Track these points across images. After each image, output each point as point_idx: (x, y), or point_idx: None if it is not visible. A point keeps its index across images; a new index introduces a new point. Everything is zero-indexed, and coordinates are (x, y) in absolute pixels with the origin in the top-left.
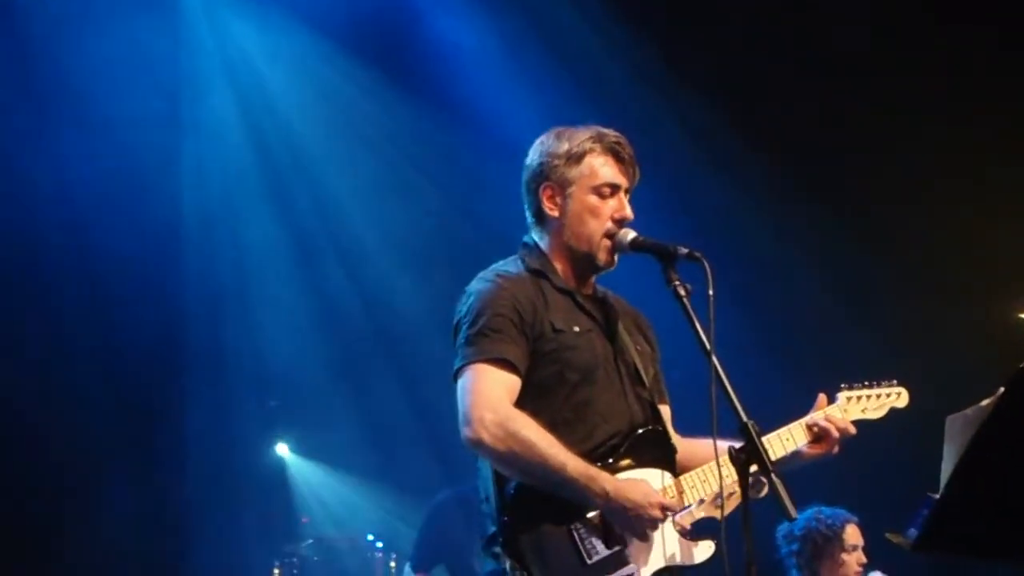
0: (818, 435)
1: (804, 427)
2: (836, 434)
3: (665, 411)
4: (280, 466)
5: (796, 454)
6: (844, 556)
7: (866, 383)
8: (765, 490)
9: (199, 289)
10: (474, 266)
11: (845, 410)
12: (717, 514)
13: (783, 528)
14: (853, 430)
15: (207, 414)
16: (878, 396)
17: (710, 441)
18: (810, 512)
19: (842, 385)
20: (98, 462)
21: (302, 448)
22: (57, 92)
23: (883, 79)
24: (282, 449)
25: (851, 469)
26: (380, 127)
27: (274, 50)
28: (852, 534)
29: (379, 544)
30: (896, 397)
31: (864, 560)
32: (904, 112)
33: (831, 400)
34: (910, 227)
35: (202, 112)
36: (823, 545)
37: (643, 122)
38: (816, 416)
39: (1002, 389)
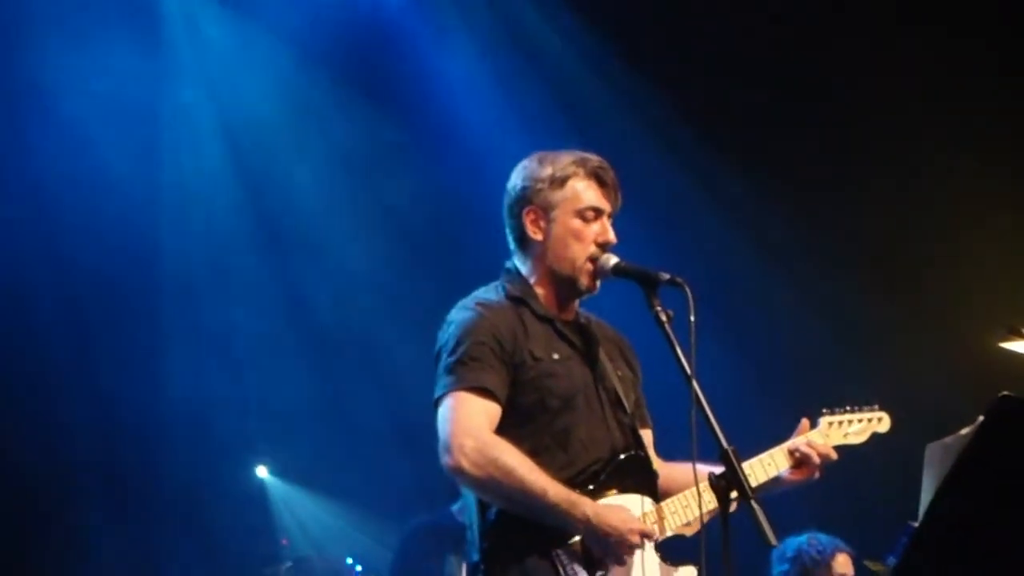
0: (799, 460)
1: (786, 452)
2: (817, 460)
3: (647, 436)
4: (260, 488)
5: (777, 480)
6: None
7: (848, 408)
8: (733, 505)
9: (176, 309)
10: (456, 288)
11: (827, 435)
12: (685, 531)
13: (778, 548)
14: (834, 455)
15: (185, 434)
16: (860, 421)
17: (691, 466)
18: (805, 536)
19: (823, 410)
20: (73, 485)
21: (282, 470)
22: (32, 100)
23: (870, 99)
24: (262, 471)
25: (831, 497)
26: (361, 146)
27: (255, 67)
28: (842, 563)
29: (358, 568)
30: (878, 422)
31: None
32: (892, 134)
33: (813, 425)
34: (893, 253)
35: (181, 128)
36: (811, 569)
37: (626, 148)
38: (798, 441)
39: (981, 418)
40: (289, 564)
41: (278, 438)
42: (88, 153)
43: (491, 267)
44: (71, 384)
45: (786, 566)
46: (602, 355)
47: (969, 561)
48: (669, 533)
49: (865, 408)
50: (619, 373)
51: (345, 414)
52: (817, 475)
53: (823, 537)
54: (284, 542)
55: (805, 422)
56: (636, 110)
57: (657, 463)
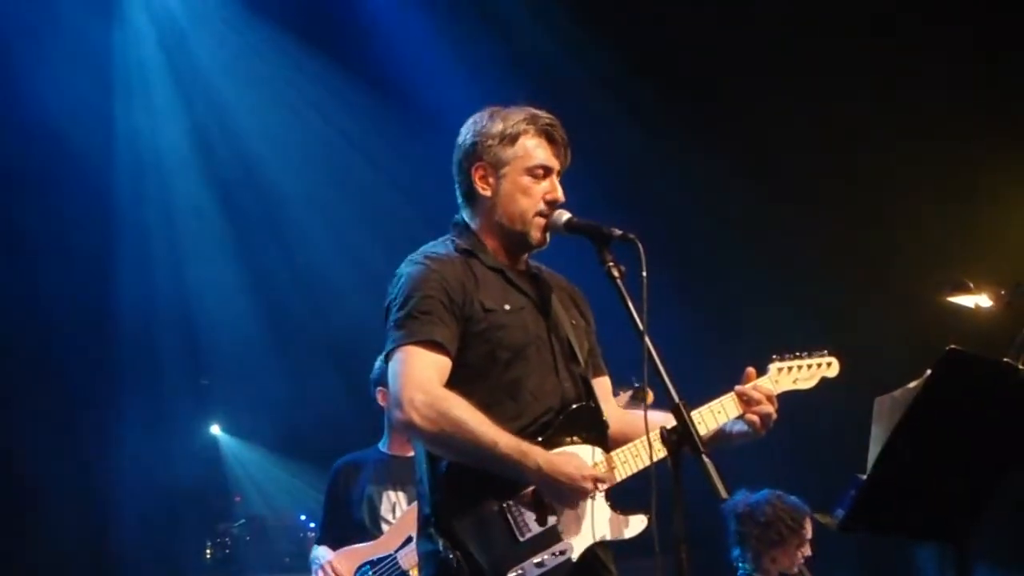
0: (747, 404)
1: (735, 399)
2: (764, 402)
3: (603, 383)
4: (213, 445)
5: (724, 436)
6: (797, 550)
7: (797, 353)
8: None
9: (131, 267)
10: (407, 243)
11: (776, 381)
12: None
13: (738, 506)
14: (775, 404)
15: (140, 392)
16: (809, 366)
17: (648, 415)
18: (769, 495)
19: (773, 356)
20: (30, 443)
21: (234, 428)
22: None
23: (825, 53)
24: (215, 429)
25: (780, 449)
26: (311, 99)
27: (204, 16)
28: (809, 528)
29: (312, 524)
30: (827, 367)
31: (809, 553)
32: (845, 88)
33: (763, 371)
34: (843, 209)
35: (135, 81)
36: (787, 536)
37: (577, 104)
38: (746, 387)
39: (929, 371)
40: (242, 521)
41: (231, 396)
42: (44, 124)
43: (441, 219)
44: (27, 347)
45: (757, 530)
46: (555, 303)
47: (916, 513)
48: (619, 481)
49: (815, 354)
50: (572, 322)
51: (297, 371)
52: (763, 432)
53: (789, 500)
54: (237, 499)
55: (751, 371)
56: (589, 66)
57: (612, 411)
